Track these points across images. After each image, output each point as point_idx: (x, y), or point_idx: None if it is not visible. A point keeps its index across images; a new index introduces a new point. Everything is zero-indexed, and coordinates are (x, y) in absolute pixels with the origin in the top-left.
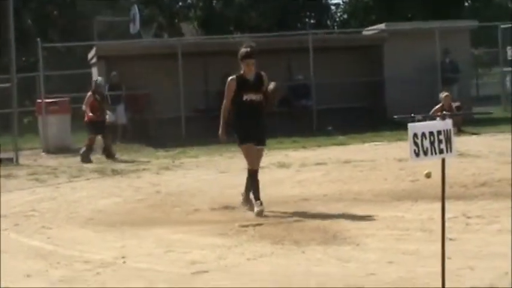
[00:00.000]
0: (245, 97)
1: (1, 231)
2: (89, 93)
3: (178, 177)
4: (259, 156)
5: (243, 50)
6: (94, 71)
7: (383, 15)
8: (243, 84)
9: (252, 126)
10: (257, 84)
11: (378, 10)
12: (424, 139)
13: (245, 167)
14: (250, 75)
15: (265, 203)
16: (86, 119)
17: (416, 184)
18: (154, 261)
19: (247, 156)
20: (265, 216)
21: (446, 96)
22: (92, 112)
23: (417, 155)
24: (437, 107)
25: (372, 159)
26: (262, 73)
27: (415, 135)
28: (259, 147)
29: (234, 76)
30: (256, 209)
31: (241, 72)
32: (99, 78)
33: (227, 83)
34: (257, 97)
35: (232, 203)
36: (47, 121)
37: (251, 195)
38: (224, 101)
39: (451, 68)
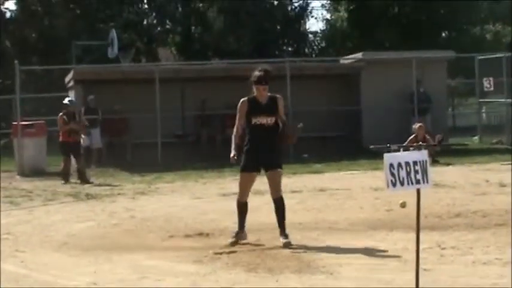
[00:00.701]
0: (254, 121)
1: None
2: (60, 114)
3: (153, 203)
4: (273, 181)
5: (255, 73)
6: (71, 94)
7: (360, 43)
8: (254, 107)
9: (261, 151)
10: (270, 108)
11: (355, 38)
12: (400, 169)
13: (219, 193)
14: (263, 99)
15: None
16: (59, 139)
17: (391, 214)
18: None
19: (240, 185)
20: (239, 244)
21: (420, 127)
22: (62, 133)
23: (394, 184)
24: (411, 137)
25: (348, 188)
26: (277, 96)
27: (391, 165)
28: (270, 171)
29: (245, 98)
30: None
31: (254, 94)
32: (67, 99)
33: (238, 105)
34: (268, 120)
35: (206, 229)
36: (22, 144)
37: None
38: (236, 124)
39: (424, 98)
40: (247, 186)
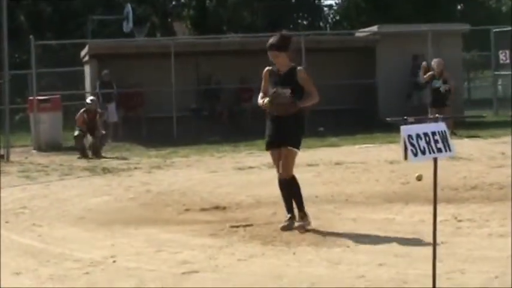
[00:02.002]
0: (270, 91)
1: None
2: (81, 111)
3: (169, 177)
4: (283, 160)
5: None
6: (86, 69)
7: (375, 17)
8: (272, 77)
9: (276, 126)
10: (286, 78)
11: (370, 12)
12: (419, 140)
13: (234, 167)
14: (282, 68)
15: (255, 203)
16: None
17: (407, 186)
18: (144, 260)
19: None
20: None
21: (435, 62)
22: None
23: (415, 154)
24: (429, 73)
25: (364, 161)
26: (297, 67)
27: (410, 136)
28: (282, 148)
29: (269, 67)
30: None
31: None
32: (89, 98)
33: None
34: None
35: (223, 203)
36: (38, 118)
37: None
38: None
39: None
40: (274, 164)
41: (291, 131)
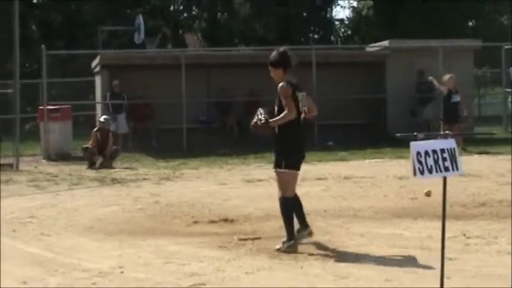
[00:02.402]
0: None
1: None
2: (94, 130)
3: (178, 188)
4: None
5: None
6: (97, 79)
7: (385, 32)
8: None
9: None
10: (277, 95)
11: (381, 27)
12: (427, 157)
13: (243, 179)
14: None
15: (263, 216)
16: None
17: (416, 202)
18: (152, 271)
19: None
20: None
21: (451, 77)
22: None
23: (422, 172)
24: (442, 87)
25: (373, 176)
26: (280, 84)
27: (418, 153)
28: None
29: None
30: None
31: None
32: (102, 117)
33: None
34: (276, 111)
35: (231, 215)
36: (48, 128)
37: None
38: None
39: (427, 89)
40: None
41: (275, 152)
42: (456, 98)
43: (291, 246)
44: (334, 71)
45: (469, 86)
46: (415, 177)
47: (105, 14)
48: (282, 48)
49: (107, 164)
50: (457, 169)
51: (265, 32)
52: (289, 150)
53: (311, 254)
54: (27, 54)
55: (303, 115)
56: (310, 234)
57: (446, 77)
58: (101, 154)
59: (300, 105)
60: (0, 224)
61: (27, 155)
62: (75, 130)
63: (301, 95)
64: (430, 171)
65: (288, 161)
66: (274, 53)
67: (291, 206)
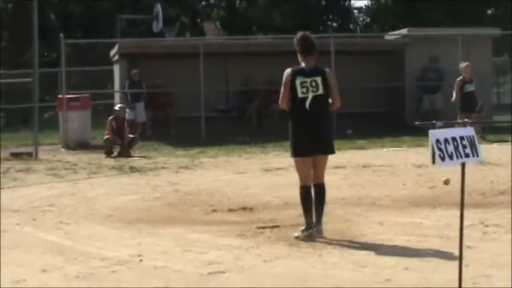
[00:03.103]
0: None
1: (16, 226)
2: (109, 118)
3: (196, 177)
4: None
5: None
6: (116, 68)
7: (404, 19)
8: None
9: None
10: None
11: (399, 15)
12: (447, 144)
13: (262, 168)
14: None
15: (282, 205)
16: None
17: (434, 190)
18: (171, 260)
19: None
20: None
21: (467, 66)
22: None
23: (442, 159)
24: (458, 79)
25: (391, 165)
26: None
27: (438, 141)
28: None
29: None
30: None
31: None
32: (117, 105)
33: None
34: None
35: (250, 203)
36: (67, 117)
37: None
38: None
39: (436, 76)
40: None
41: None
42: (470, 87)
43: (307, 235)
44: (353, 60)
45: (488, 75)
46: (434, 166)
47: (123, 3)
48: (299, 33)
49: (125, 153)
50: (477, 155)
51: (283, 20)
52: (293, 138)
53: (329, 243)
54: (46, 43)
55: (309, 101)
56: (307, 236)
57: (463, 65)
58: (118, 143)
59: (298, 92)
60: (17, 214)
61: (46, 144)
62: (94, 119)
63: (299, 82)
64: (451, 158)
65: (293, 149)
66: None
67: (303, 195)
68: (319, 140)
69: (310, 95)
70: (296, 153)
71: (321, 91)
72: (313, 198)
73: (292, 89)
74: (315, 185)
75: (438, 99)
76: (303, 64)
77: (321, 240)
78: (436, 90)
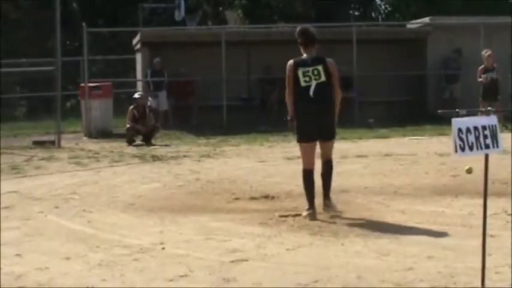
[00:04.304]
0: None
1: (39, 214)
2: (130, 107)
3: (218, 165)
4: None
5: None
6: (138, 57)
7: (426, 8)
8: None
9: None
10: None
11: (422, 3)
12: (469, 134)
13: (284, 156)
14: None
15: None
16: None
17: (457, 179)
18: (193, 248)
19: None
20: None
21: (489, 55)
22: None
23: (462, 149)
24: (480, 67)
25: (413, 153)
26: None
27: (460, 130)
28: None
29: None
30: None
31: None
32: (137, 94)
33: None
34: None
35: (272, 192)
36: (89, 105)
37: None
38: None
39: (455, 66)
40: None
41: None
42: (492, 75)
43: (308, 215)
44: (375, 48)
45: (507, 63)
46: (456, 154)
47: None
48: (299, 27)
49: (147, 141)
50: (498, 146)
51: (305, 9)
52: (297, 125)
53: (352, 231)
54: (68, 31)
55: (312, 88)
56: (308, 216)
57: (485, 53)
58: (140, 131)
59: (301, 81)
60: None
61: (69, 132)
62: (116, 107)
63: (302, 71)
64: (471, 149)
65: (297, 135)
66: None
67: (305, 177)
68: (323, 126)
69: (314, 83)
70: (300, 138)
71: (323, 78)
72: (322, 174)
73: (296, 79)
74: (323, 162)
75: (457, 89)
76: (304, 55)
77: (343, 223)
78: (457, 79)
